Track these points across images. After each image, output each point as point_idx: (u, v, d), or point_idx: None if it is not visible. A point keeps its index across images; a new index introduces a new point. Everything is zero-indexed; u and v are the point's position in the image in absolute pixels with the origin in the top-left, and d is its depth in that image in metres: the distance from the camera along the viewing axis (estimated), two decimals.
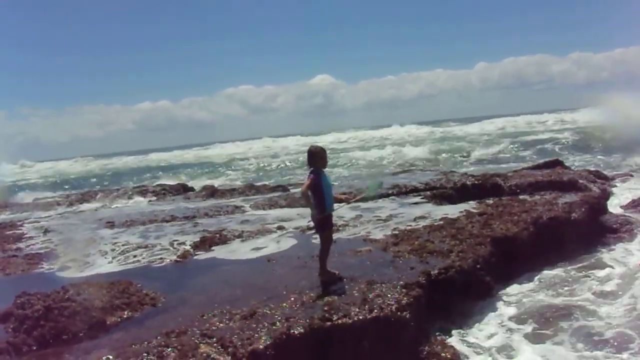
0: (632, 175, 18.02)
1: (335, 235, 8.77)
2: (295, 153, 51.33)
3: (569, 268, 8.70)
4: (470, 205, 10.91)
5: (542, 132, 49.33)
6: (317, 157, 6.47)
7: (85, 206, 19.85)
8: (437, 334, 6.52)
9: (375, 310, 5.78)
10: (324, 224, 6.56)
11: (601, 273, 8.38)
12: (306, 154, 6.58)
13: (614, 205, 12.66)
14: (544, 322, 6.87)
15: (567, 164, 18.47)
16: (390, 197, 13.16)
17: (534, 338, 6.55)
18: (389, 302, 5.97)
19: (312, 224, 6.77)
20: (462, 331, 6.77)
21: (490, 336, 6.65)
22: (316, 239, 8.79)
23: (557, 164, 17.80)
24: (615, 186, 15.90)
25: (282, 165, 42.32)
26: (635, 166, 20.96)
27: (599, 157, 26.80)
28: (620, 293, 7.59)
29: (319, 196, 6.36)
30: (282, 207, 13.59)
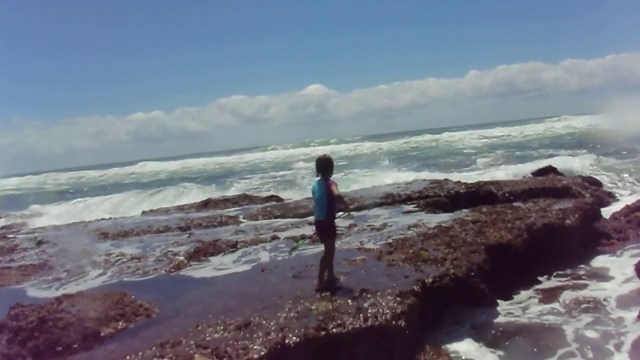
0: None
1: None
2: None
3: (561, 278, 8.71)
4: (464, 213, 10.93)
5: (535, 139, 49.59)
6: (332, 166, 6.65)
7: (78, 217, 19.81)
8: (433, 342, 6.51)
9: (370, 319, 5.79)
10: (331, 230, 6.70)
11: (594, 284, 8.35)
12: (317, 163, 6.67)
13: (608, 211, 12.67)
14: (533, 342, 6.71)
15: (560, 171, 18.49)
16: (384, 206, 13.19)
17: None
18: (383, 311, 5.98)
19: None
20: (456, 341, 6.74)
21: (481, 349, 6.61)
22: (311, 249, 8.83)
23: (550, 170, 17.90)
24: (611, 193, 15.96)
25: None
26: (630, 173, 20.88)
27: (592, 163, 26.72)
28: (613, 308, 7.50)
29: (332, 203, 6.49)
30: (276, 217, 13.59)
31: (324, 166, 6.60)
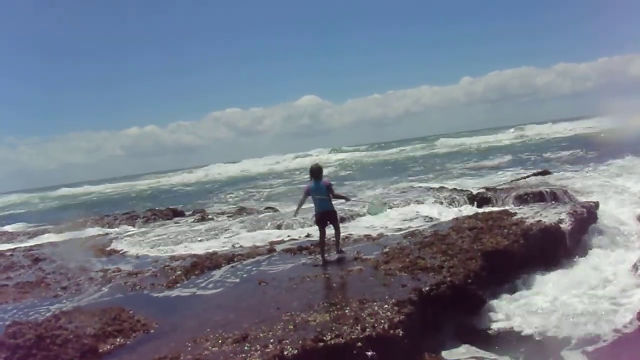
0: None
1: (325, 256, 8.85)
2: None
3: (557, 283, 8.62)
4: (460, 220, 10.91)
5: (528, 142, 49.71)
6: (322, 171, 8.76)
7: (74, 234, 19.73)
8: (432, 350, 6.49)
9: (368, 329, 5.78)
10: (337, 215, 8.92)
11: (590, 291, 8.26)
12: (312, 170, 8.70)
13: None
14: (531, 347, 6.66)
15: (556, 174, 18.48)
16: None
17: None
18: (381, 320, 5.98)
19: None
20: (454, 348, 6.69)
21: (479, 356, 6.56)
22: (300, 260, 8.89)
23: (546, 174, 17.93)
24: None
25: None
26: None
27: (589, 166, 26.68)
28: (608, 313, 7.37)
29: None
30: (272, 229, 13.58)
31: (318, 172, 8.65)
